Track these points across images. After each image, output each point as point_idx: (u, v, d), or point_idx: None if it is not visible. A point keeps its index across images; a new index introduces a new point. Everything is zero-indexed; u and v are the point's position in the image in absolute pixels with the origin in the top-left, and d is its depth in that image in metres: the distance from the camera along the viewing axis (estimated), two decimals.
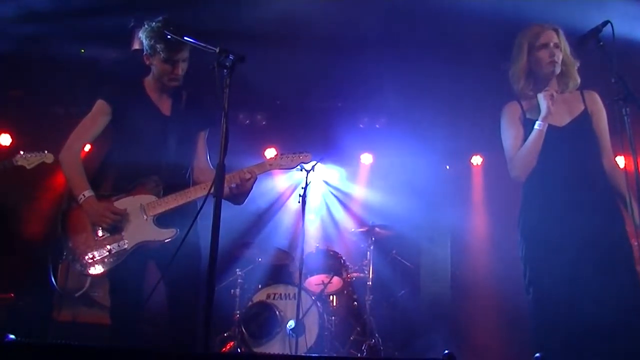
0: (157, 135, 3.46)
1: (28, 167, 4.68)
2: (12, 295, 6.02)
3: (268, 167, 3.52)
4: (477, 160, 7.86)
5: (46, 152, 4.69)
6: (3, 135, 7.06)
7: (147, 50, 3.43)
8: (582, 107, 3.40)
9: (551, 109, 3.29)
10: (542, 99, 3.33)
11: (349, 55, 6.04)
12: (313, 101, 7.37)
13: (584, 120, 3.36)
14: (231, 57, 2.63)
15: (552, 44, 3.36)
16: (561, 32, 3.43)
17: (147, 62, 3.48)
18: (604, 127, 3.38)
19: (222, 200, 2.63)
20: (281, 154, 3.63)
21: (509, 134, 3.49)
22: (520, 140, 3.41)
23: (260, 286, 5.92)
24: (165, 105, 3.56)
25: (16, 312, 5.94)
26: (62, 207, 3.43)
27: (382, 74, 6.28)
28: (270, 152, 7.73)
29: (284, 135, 7.68)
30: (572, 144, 3.31)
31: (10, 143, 7.10)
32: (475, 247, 7.47)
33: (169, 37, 3.22)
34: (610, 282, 3.03)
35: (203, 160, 3.67)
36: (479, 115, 6.92)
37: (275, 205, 7.66)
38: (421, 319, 6.81)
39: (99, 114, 3.47)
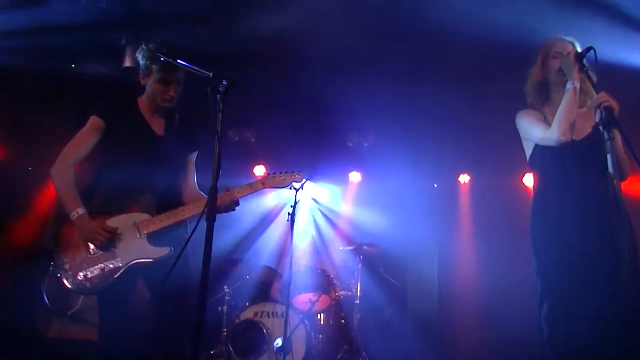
0: (149, 154, 3.44)
1: None
2: None
3: (261, 186, 3.52)
4: (464, 178, 7.94)
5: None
6: None
7: (142, 70, 3.45)
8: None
9: (575, 67, 3.17)
10: (566, 61, 3.22)
11: (338, 74, 6.08)
12: (302, 119, 7.41)
13: (598, 135, 3.17)
14: (224, 82, 2.64)
15: (566, 54, 3.28)
16: (577, 45, 3.36)
17: (142, 82, 3.49)
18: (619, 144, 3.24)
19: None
20: (272, 173, 3.64)
21: (535, 125, 3.36)
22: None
23: (247, 304, 5.90)
24: (157, 125, 3.55)
25: (2, 328, 5.86)
26: (53, 222, 3.39)
27: (371, 93, 6.33)
28: (259, 170, 7.75)
29: (273, 152, 7.70)
30: (586, 158, 3.22)
31: None
32: (462, 265, 7.50)
33: (162, 59, 3.25)
34: (624, 292, 2.92)
35: (191, 184, 3.65)
36: (466, 135, 7.01)
37: (263, 222, 7.65)
38: (408, 336, 6.81)
39: (93, 130, 3.43)
